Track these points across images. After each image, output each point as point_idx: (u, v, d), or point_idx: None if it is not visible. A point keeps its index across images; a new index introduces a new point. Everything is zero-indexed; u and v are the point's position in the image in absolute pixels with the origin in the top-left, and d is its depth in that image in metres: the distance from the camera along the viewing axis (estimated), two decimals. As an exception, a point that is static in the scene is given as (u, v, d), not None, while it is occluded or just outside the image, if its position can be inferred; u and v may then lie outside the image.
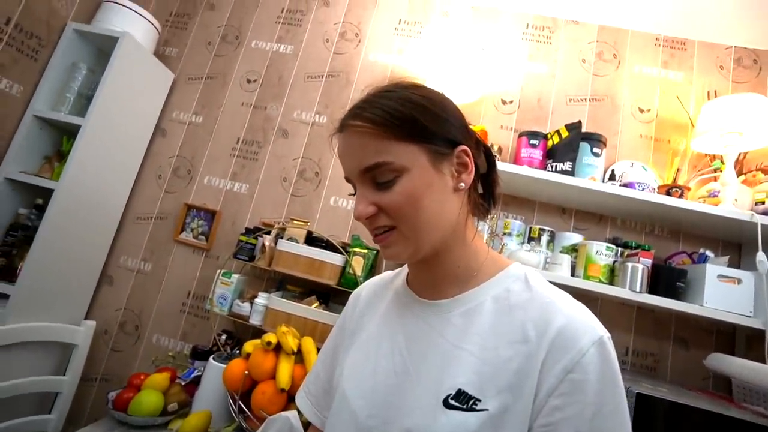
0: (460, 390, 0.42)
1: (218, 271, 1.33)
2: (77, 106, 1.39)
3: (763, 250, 1.09)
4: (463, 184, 0.49)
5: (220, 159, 1.59)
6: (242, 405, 0.93)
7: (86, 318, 1.48)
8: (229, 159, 1.58)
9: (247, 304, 1.31)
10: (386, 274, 0.66)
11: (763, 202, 1.19)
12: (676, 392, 0.97)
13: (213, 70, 1.68)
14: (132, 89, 1.46)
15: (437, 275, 0.52)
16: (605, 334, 0.41)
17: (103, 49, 1.46)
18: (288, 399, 0.94)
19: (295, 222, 1.39)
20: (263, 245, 1.34)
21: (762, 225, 1.11)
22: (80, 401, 1.43)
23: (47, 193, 1.27)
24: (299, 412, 0.92)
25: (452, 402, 0.42)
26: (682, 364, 1.29)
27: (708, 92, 1.43)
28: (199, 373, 1.21)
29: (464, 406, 0.42)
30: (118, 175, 1.50)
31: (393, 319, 0.55)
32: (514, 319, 0.45)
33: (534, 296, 0.46)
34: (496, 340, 0.44)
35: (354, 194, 0.50)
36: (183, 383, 1.17)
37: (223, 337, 1.35)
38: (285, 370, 0.94)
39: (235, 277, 1.33)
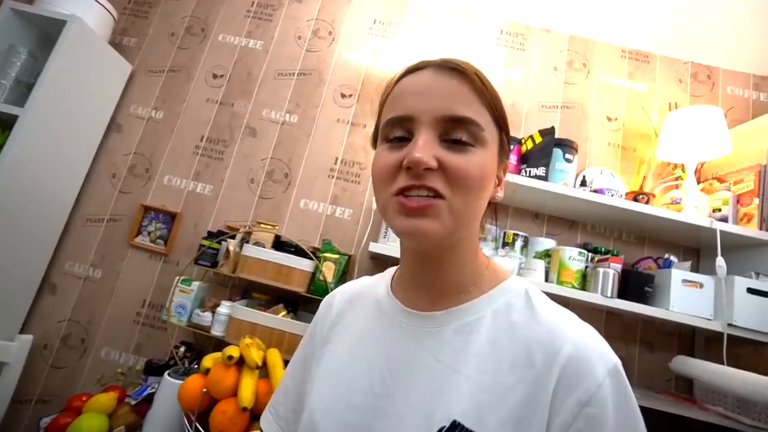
0: (455, 422, 0.37)
1: (177, 278, 1.23)
2: (15, 94, 1.24)
3: (721, 256, 1.14)
4: (499, 195, 0.46)
5: (182, 158, 1.48)
6: (199, 427, 0.85)
7: (22, 332, 1.32)
8: (192, 158, 1.48)
9: (208, 314, 1.22)
10: (364, 280, 0.59)
11: (720, 210, 1.25)
12: (647, 397, 0.98)
13: (176, 63, 1.57)
14: (82, 79, 1.33)
15: (437, 278, 0.45)
16: (618, 361, 0.37)
17: (47, 32, 1.33)
18: (251, 418, 0.86)
19: (262, 225, 1.31)
20: (227, 250, 1.25)
21: (720, 231, 1.16)
22: (9, 428, 1.27)
23: (-23, 191, 1.13)
24: None
25: None
26: (647, 366, 1.32)
27: (669, 103, 1.50)
28: (153, 390, 1.10)
29: None
30: (64, 173, 1.36)
31: (373, 331, 0.48)
32: (516, 340, 0.40)
33: (538, 315, 0.41)
34: (497, 363, 0.39)
35: (396, 139, 0.41)
36: (134, 402, 1.06)
37: (182, 349, 1.25)
38: (248, 386, 0.87)
39: (195, 284, 1.23)
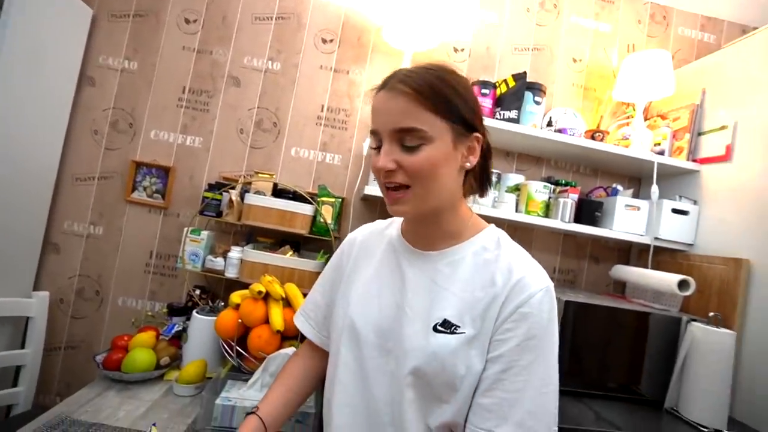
0: (445, 320, 0.56)
1: (185, 229, 1.32)
2: (-24, 49, 1.16)
3: (656, 184, 1.38)
4: (468, 164, 0.59)
5: (165, 111, 1.47)
6: (239, 349, 1.02)
7: (35, 290, 1.38)
8: (177, 111, 1.47)
9: (220, 259, 1.33)
10: (378, 223, 0.76)
11: (660, 144, 1.47)
12: (591, 297, 1.25)
13: (141, 7, 1.47)
14: (40, 29, 1.24)
15: (429, 232, 0.62)
16: (550, 285, 0.55)
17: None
18: (281, 339, 1.04)
19: (260, 175, 1.39)
20: (230, 200, 1.34)
21: (657, 163, 1.38)
22: (48, 371, 1.40)
23: (-38, 156, 1.10)
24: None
25: (439, 328, 0.56)
26: (593, 276, 1.62)
27: (628, 45, 1.63)
28: (180, 328, 1.25)
29: (448, 331, 0.55)
30: (43, 133, 1.32)
31: (390, 262, 0.66)
32: (486, 270, 0.58)
33: (502, 254, 0.59)
34: (473, 285, 0.57)
35: (376, 148, 0.57)
36: (167, 338, 1.21)
37: (198, 291, 1.38)
38: (277, 314, 1.03)
39: (204, 233, 1.33)
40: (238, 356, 1.04)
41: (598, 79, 1.64)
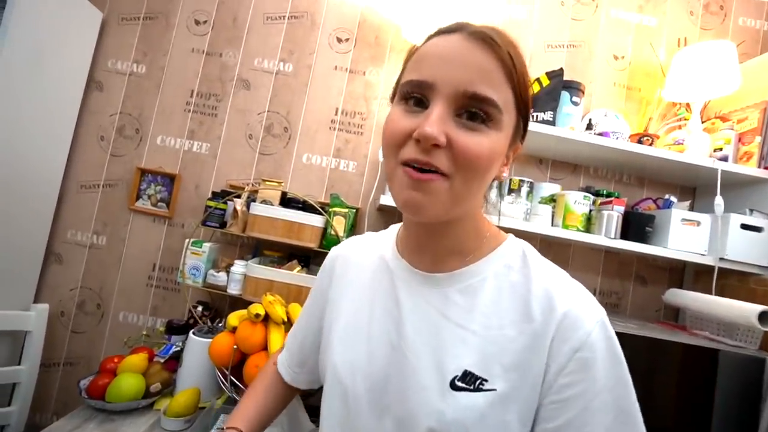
0: (466, 371, 0.41)
1: (187, 240, 1.22)
2: (-20, 52, 1.12)
3: (720, 195, 1.18)
4: (505, 175, 0.46)
5: (173, 116, 1.40)
6: (234, 380, 0.90)
7: (36, 301, 1.32)
8: (184, 115, 1.40)
9: (222, 274, 1.23)
10: (367, 236, 0.61)
11: (721, 149, 1.27)
12: (643, 327, 1.06)
13: (151, 9, 1.42)
14: (47, 32, 1.20)
15: (438, 246, 0.47)
16: (604, 314, 0.42)
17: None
18: (283, 368, 0.92)
19: (267, 183, 1.29)
20: (234, 210, 1.24)
21: (722, 171, 1.18)
22: (44, 388, 1.32)
23: (-40, 163, 1.06)
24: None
25: (459, 384, 0.41)
26: (640, 299, 1.42)
27: (678, 39, 1.45)
28: (178, 348, 1.15)
29: (471, 387, 0.41)
30: (49, 138, 1.28)
31: (382, 288, 0.51)
32: (515, 298, 0.43)
33: (533, 274, 0.44)
34: (500, 319, 0.43)
35: (413, 101, 0.40)
36: (162, 360, 1.10)
37: (199, 308, 1.28)
38: (277, 341, 0.91)
39: (206, 245, 1.23)
40: (234, 386, 0.92)
41: (644, 77, 1.46)
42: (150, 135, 1.39)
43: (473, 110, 0.38)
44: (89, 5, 1.33)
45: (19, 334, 1.25)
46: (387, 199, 1.19)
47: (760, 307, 0.93)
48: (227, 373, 0.90)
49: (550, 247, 1.40)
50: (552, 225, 1.25)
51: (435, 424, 0.40)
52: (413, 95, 0.40)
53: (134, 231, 1.38)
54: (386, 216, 1.40)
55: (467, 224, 0.46)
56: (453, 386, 0.41)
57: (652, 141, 1.27)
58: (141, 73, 1.40)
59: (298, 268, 1.23)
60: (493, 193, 0.52)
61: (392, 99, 0.46)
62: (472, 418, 0.39)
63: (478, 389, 0.40)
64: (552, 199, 1.30)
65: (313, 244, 1.22)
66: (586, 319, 0.40)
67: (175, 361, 1.12)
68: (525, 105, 0.42)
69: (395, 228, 0.57)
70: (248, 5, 1.43)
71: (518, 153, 0.47)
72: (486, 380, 0.40)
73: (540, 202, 1.29)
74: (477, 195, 0.43)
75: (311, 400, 0.91)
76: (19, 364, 1.23)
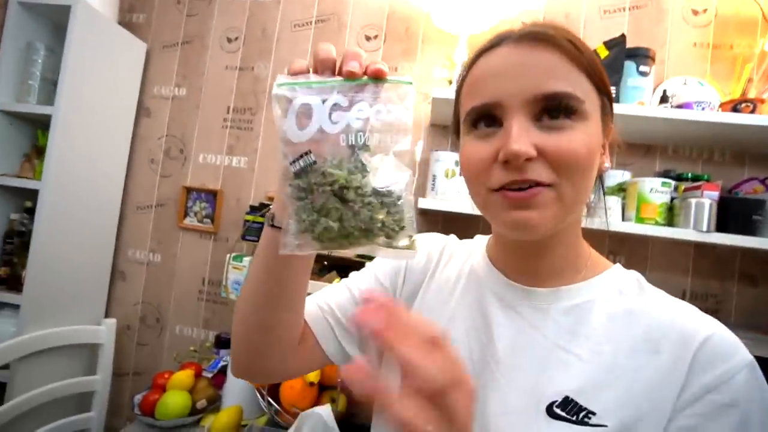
0: (567, 398, 0.36)
1: (228, 255, 1.24)
2: (45, 93, 1.24)
3: None
4: (607, 164, 0.41)
5: (212, 133, 1.44)
6: (271, 401, 0.87)
7: (106, 316, 1.44)
8: (222, 132, 1.43)
9: (264, 288, 1.22)
10: (464, 241, 0.54)
11: None
12: (757, 341, 0.84)
13: (188, 33, 1.47)
14: (100, 66, 1.29)
15: (540, 261, 0.42)
16: (753, 359, 0.34)
17: (57, 22, 1.28)
18: (319, 390, 0.87)
19: (302, 194, 1.26)
20: (272, 223, 1.23)
21: None
22: (119, 396, 1.43)
23: (34, 194, 1.17)
24: (332, 401, 0.86)
25: (557, 411, 0.36)
26: (750, 303, 1.16)
27: (782, -24, 1.16)
28: (225, 363, 1.16)
29: (573, 418, 0.35)
30: (107, 164, 1.38)
31: (466, 303, 0.45)
32: (634, 325, 0.37)
33: (655, 301, 0.39)
34: (614, 345, 0.37)
35: (483, 124, 0.38)
36: (210, 375, 1.12)
37: (246, 322, 1.29)
38: (311, 359, 0.86)
39: (246, 260, 1.24)
40: (271, 406, 0.89)
41: (736, 30, 1.19)
42: (193, 154, 1.45)
43: (553, 109, 0.35)
44: (134, 38, 1.42)
45: (93, 346, 1.36)
46: (426, 203, 1.09)
47: None
48: (264, 393, 0.88)
49: (622, 245, 1.20)
50: (623, 220, 1.06)
51: None
52: (482, 122, 0.38)
53: (184, 247, 1.44)
54: (430, 220, 1.29)
55: (569, 240, 0.42)
56: (550, 413, 0.36)
57: (755, 107, 1.02)
58: (182, 96, 1.46)
59: (337, 279, 1.18)
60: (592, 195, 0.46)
61: (456, 134, 0.44)
62: None
63: (582, 422, 0.34)
64: (621, 189, 1.10)
65: (352, 254, 1.16)
66: (732, 357, 0.33)
67: (223, 375, 1.13)
68: (603, 83, 0.39)
69: (483, 239, 0.52)
70: (275, 16, 1.42)
71: (613, 137, 0.42)
72: (593, 413, 0.34)
73: (606, 193, 1.10)
74: (586, 197, 0.40)
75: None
76: (95, 374, 1.35)
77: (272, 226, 0.39)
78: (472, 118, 0.39)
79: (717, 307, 1.17)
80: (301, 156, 0.27)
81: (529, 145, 0.34)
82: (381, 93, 0.30)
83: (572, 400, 0.36)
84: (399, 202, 0.28)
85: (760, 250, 1.03)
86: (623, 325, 0.38)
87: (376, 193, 0.28)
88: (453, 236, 0.56)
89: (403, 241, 0.28)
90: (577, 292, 0.41)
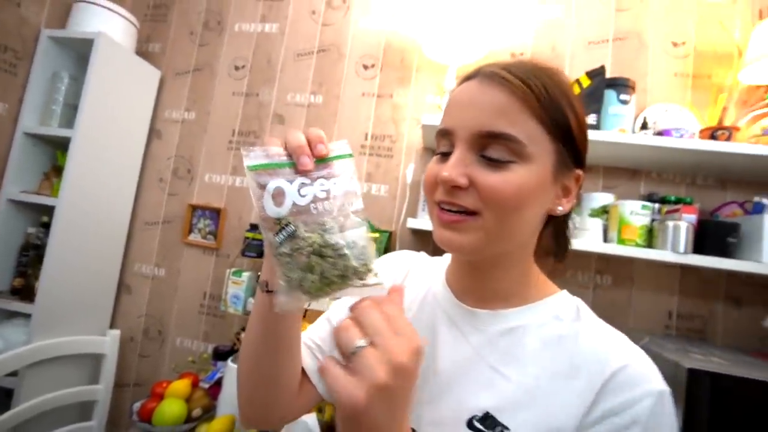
0: (488, 413, 0.39)
1: (227, 270, 1.30)
2: (66, 117, 1.34)
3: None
4: (561, 209, 0.43)
5: (218, 154, 1.53)
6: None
7: (111, 327, 1.50)
8: (227, 153, 1.52)
9: (261, 302, 1.27)
10: (424, 257, 0.59)
11: (829, 136, 1.02)
12: (738, 362, 0.86)
13: (199, 62, 1.59)
14: (118, 92, 1.40)
15: (482, 284, 0.46)
16: (668, 390, 0.36)
17: (82, 54, 1.40)
18: (307, 400, 0.90)
19: (300, 212, 1.32)
20: (270, 240, 1.29)
21: (830, 162, 0.95)
22: (119, 406, 1.47)
23: (51, 210, 1.25)
24: (319, 411, 0.89)
25: (476, 424, 0.39)
26: (734, 324, 1.17)
27: (761, 10, 1.22)
28: (222, 375, 1.20)
29: None
30: (119, 183, 1.47)
31: (425, 315, 0.50)
32: (561, 352, 0.40)
33: (586, 330, 0.41)
34: (538, 370, 0.40)
35: (443, 153, 0.42)
36: (207, 386, 1.16)
37: (242, 335, 1.33)
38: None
39: (245, 275, 1.29)
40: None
41: (713, 61, 1.25)
42: (199, 174, 1.53)
43: (494, 148, 0.38)
44: (149, 66, 1.53)
45: (97, 357, 1.41)
46: (415, 223, 1.15)
47: None
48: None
49: (607, 265, 1.23)
50: (605, 241, 1.10)
51: None
52: (441, 146, 0.43)
53: (187, 262, 1.51)
54: (421, 239, 1.35)
55: (512, 266, 0.45)
56: (470, 426, 0.39)
57: (730, 135, 1.07)
58: (191, 119, 1.56)
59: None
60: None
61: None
62: None
63: None
64: (604, 211, 1.14)
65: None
66: (639, 386, 0.36)
67: (219, 386, 1.17)
68: (565, 130, 0.40)
69: (448, 257, 0.55)
70: (280, 46, 1.53)
71: (580, 183, 0.44)
72: (508, 429, 0.37)
73: (590, 215, 1.15)
74: (515, 232, 0.41)
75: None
76: (97, 383, 1.39)
77: (268, 291, 0.42)
78: (437, 139, 0.44)
79: (703, 327, 1.18)
80: (282, 228, 0.32)
81: (459, 175, 0.38)
82: (333, 168, 0.35)
83: (491, 416, 0.39)
84: (364, 250, 0.34)
85: (743, 273, 1.05)
86: (551, 351, 0.40)
87: (346, 246, 0.33)
88: (423, 253, 0.60)
89: (372, 279, 0.34)
90: (515, 317, 0.43)
